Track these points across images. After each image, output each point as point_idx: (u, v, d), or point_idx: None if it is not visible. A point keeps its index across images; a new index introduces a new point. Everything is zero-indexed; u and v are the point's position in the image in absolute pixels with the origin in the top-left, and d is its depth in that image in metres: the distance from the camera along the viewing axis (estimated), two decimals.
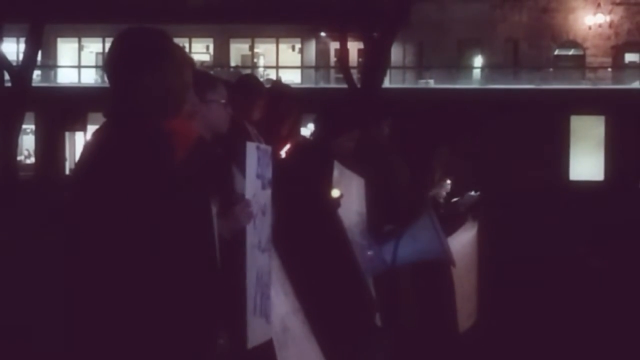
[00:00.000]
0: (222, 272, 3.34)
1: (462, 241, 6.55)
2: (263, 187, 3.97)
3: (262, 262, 3.95)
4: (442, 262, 5.76)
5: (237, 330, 3.69)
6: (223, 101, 4.14)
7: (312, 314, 5.09)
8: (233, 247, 3.64)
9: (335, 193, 5.19)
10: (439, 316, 6.38)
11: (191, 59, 3.51)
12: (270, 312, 4.05)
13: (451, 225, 6.13)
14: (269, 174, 4.01)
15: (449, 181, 6.59)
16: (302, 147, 5.80)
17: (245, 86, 5.74)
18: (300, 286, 5.04)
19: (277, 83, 8.29)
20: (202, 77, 4.00)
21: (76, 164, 3.17)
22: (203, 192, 3.29)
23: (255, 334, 3.88)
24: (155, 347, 2.96)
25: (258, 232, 3.89)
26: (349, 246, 5.27)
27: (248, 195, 3.80)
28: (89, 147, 3.13)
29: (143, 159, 2.99)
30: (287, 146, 5.57)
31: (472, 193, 6.75)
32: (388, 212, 5.70)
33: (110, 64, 3.20)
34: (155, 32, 3.24)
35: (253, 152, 3.89)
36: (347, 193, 5.29)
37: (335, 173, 5.39)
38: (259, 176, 3.92)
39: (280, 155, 5.39)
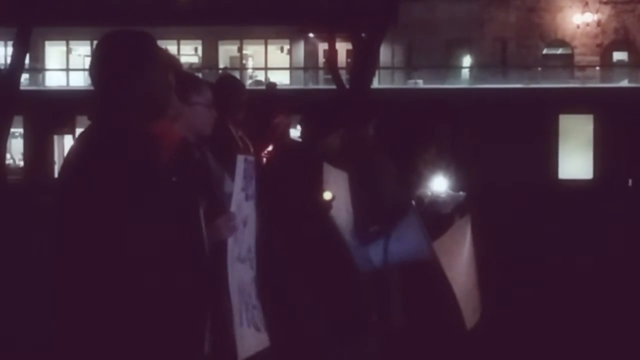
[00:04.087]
0: (209, 276, 3.33)
1: (455, 240, 6.54)
2: (246, 199, 3.95)
3: (242, 273, 3.93)
4: (429, 262, 5.76)
5: (220, 338, 3.67)
6: (208, 103, 4.13)
7: (309, 312, 5.13)
8: (212, 258, 3.59)
9: (327, 195, 5.19)
10: (433, 317, 6.38)
11: (176, 61, 3.51)
12: (260, 321, 4.02)
13: (437, 225, 6.12)
14: (252, 185, 4.00)
15: (435, 181, 6.58)
16: (290, 149, 5.81)
17: (226, 88, 5.73)
18: (297, 287, 5.08)
19: (272, 88, 8.29)
20: (187, 79, 3.99)
21: (61, 167, 3.17)
22: (189, 194, 3.28)
23: (245, 345, 3.86)
24: (143, 350, 2.96)
25: (239, 243, 3.88)
26: (344, 246, 5.28)
27: (233, 208, 3.78)
28: (74, 150, 3.13)
29: (127, 161, 2.99)
30: (269, 148, 5.57)
31: (460, 193, 6.73)
32: (374, 212, 5.71)
33: (93, 67, 3.21)
34: (137, 35, 3.25)
35: (241, 165, 3.88)
36: (336, 192, 5.30)
37: (324, 173, 5.39)
38: (243, 188, 3.90)
39: (262, 157, 5.40)
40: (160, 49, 3.33)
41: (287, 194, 5.13)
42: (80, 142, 3.14)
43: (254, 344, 3.96)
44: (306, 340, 5.31)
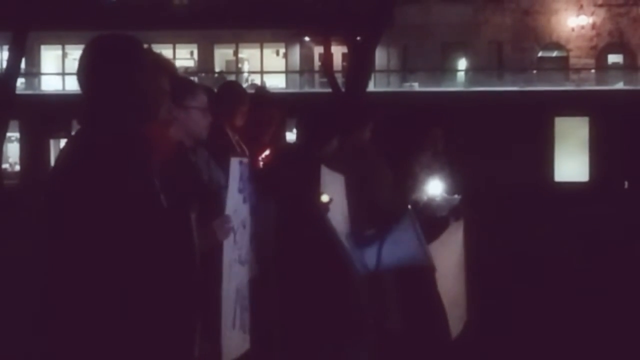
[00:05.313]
0: (201, 281, 3.33)
1: (448, 244, 6.55)
2: (244, 201, 3.96)
3: (242, 275, 3.95)
4: (425, 267, 5.77)
5: (210, 340, 3.68)
6: (203, 107, 4.12)
7: (302, 316, 5.15)
8: (208, 260, 3.58)
9: (324, 198, 5.19)
10: (427, 321, 6.39)
11: (171, 66, 3.50)
12: (247, 323, 4.03)
13: (432, 229, 6.13)
14: (249, 187, 4.00)
15: (431, 184, 6.59)
16: (287, 152, 5.82)
17: (228, 93, 5.76)
18: (292, 289, 5.10)
19: (260, 89, 8.30)
20: (182, 84, 3.99)
21: (51, 171, 3.17)
22: (181, 198, 3.28)
23: (232, 347, 3.86)
24: (134, 353, 2.97)
25: (239, 246, 3.88)
26: (341, 250, 5.29)
27: (228, 211, 3.77)
28: (63, 154, 3.14)
29: (117, 164, 2.99)
30: (267, 152, 5.58)
31: (455, 196, 6.75)
32: (370, 215, 5.72)
33: (80, 71, 3.22)
34: (124, 39, 3.24)
35: (236, 168, 3.87)
36: (333, 195, 5.30)
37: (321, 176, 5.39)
38: (240, 191, 3.91)
39: (259, 161, 5.41)
40: (154, 52, 3.34)
41: (284, 196, 5.14)
42: (69, 145, 3.16)
43: (239, 346, 3.98)
44: (303, 342, 5.32)
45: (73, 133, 3.24)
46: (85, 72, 3.21)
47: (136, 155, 3.06)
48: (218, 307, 3.72)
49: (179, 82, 3.81)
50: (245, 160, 4.10)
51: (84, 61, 3.21)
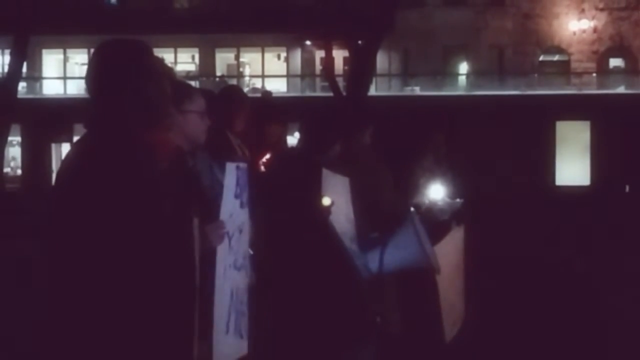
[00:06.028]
0: (199, 285, 3.33)
1: (448, 249, 6.56)
2: (241, 206, 3.94)
3: (237, 280, 3.94)
4: (427, 270, 5.78)
5: (205, 345, 3.67)
6: (201, 111, 4.12)
7: (304, 318, 5.16)
8: (203, 264, 3.57)
9: (326, 201, 5.20)
10: (424, 324, 6.40)
11: (169, 70, 3.52)
12: (244, 328, 4.02)
13: (434, 232, 6.14)
14: (247, 192, 3.98)
15: (432, 188, 6.61)
16: (288, 156, 5.83)
17: (229, 97, 5.78)
18: (294, 291, 5.11)
19: (265, 93, 8.32)
20: (179, 88, 3.98)
21: (57, 175, 3.19)
22: (183, 202, 3.29)
23: (224, 352, 3.85)
24: (133, 354, 2.98)
25: (234, 251, 3.86)
26: (343, 253, 5.30)
27: (223, 216, 3.76)
28: (69, 158, 3.15)
29: (122, 168, 3.01)
30: (267, 156, 5.59)
31: (457, 200, 6.77)
32: (372, 219, 5.73)
33: (89, 76, 3.23)
34: (132, 44, 3.26)
35: (232, 173, 3.86)
36: (336, 198, 5.31)
37: (322, 179, 5.40)
38: (237, 196, 3.88)
39: (260, 165, 5.41)
40: (156, 57, 3.35)
41: (285, 200, 5.15)
42: (75, 149, 3.17)
43: (234, 351, 3.97)
44: (304, 343, 5.34)
45: (77, 137, 3.26)
46: (93, 76, 3.22)
47: (141, 160, 3.08)
48: (210, 313, 3.71)
49: (176, 86, 3.82)
50: (243, 164, 4.08)
51: (92, 66, 3.23)
